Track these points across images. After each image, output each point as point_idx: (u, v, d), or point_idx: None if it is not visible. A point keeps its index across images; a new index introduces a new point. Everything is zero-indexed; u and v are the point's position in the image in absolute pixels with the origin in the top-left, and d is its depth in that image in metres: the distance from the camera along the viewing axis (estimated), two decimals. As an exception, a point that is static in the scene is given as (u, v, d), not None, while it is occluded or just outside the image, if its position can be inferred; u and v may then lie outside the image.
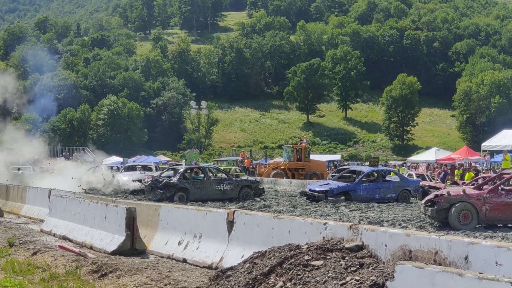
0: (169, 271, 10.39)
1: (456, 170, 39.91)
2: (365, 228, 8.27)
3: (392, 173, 32.16)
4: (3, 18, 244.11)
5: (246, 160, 57.85)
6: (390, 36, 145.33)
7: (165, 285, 9.18)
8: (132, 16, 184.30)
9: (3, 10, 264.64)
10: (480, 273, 5.85)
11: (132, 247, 12.83)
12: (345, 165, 54.71)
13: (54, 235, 16.04)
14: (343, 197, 26.13)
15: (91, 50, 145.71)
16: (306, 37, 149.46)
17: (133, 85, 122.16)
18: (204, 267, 11.04)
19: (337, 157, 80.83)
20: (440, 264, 6.95)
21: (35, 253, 12.29)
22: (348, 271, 7.40)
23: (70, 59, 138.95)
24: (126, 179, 32.24)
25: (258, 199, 27.45)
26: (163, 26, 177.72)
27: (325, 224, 8.95)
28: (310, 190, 27.49)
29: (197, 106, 70.51)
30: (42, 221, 18.76)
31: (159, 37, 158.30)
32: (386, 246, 7.84)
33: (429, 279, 6.00)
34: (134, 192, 29.83)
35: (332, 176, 31.86)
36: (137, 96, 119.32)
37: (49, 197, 19.27)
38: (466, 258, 6.94)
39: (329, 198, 25.97)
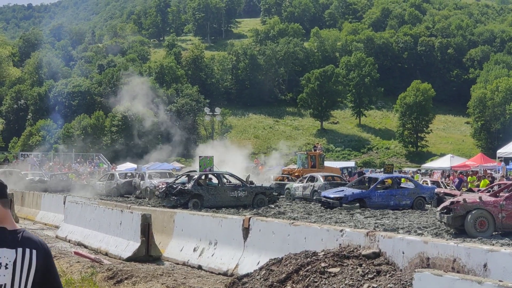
0: (185, 278, 10.36)
1: (469, 177, 39.71)
2: (382, 235, 8.21)
3: (407, 180, 32.02)
4: (18, 25, 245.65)
5: (259, 167, 57.78)
6: (404, 42, 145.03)
7: (181, 291, 9.16)
8: (146, 23, 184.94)
9: (18, 17, 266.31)
10: (500, 281, 5.78)
11: (147, 253, 12.84)
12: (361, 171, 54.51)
13: (69, 241, 16.08)
14: (357, 204, 26.05)
15: (105, 57, 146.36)
16: (320, 43, 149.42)
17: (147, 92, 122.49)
18: (219, 274, 11.01)
19: (351, 164, 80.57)
20: (458, 272, 6.89)
21: (50, 259, 12.29)
22: (365, 278, 7.35)
23: (84, 66, 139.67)
24: None
25: (273, 206, 27.40)
26: (177, 33, 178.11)
27: (341, 231, 8.90)
28: (324, 197, 27.43)
29: (211, 113, 70.64)
30: (57, 227, 18.81)
31: (173, 44, 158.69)
32: (403, 253, 7.79)
33: (448, 287, 5.94)
34: None
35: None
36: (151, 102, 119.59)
37: (64, 203, 19.32)
38: (485, 265, 6.87)
39: (344, 204, 25.91)
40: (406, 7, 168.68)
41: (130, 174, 42.16)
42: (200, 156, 31.18)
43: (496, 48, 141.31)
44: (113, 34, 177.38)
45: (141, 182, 36.42)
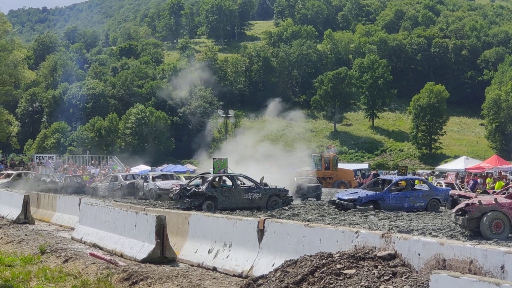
0: (200, 279, 10.36)
1: (488, 179, 39.53)
2: (397, 237, 8.18)
3: (421, 181, 31.85)
4: (33, 28, 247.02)
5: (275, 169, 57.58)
6: (418, 44, 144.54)
7: (196, 293, 9.17)
8: (159, 25, 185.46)
9: (33, 21, 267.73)
10: (517, 282, 5.75)
11: (162, 255, 12.83)
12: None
13: (84, 242, 16.12)
14: (371, 206, 25.95)
15: (119, 60, 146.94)
16: (333, 45, 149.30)
17: (160, 94, 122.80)
18: (234, 275, 11.00)
19: (364, 165, 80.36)
20: (475, 274, 6.86)
21: (66, 261, 12.36)
22: (381, 280, 7.33)
23: (98, 69, 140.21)
24: None
25: (287, 208, 27.35)
26: (190, 35, 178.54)
27: (356, 232, 8.88)
28: (338, 198, 27.35)
29: (224, 115, 70.61)
30: (72, 228, 18.86)
31: (187, 46, 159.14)
32: (419, 255, 7.76)
33: (464, 288, 5.92)
34: None
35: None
36: (165, 105, 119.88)
37: (79, 205, 19.38)
38: (502, 267, 6.83)
39: (358, 206, 25.83)
40: (419, 9, 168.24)
41: (131, 176, 42.90)
42: (214, 158, 31.14)
43: (511, 49, 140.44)
44: (127, 37, 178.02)
45: (145, 184, 37.15)
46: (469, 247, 7.27)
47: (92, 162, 64.27)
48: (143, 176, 39.84)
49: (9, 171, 47.28)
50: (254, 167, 33.72)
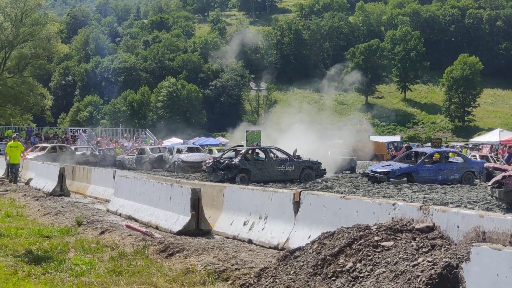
0: (235, 251, 10.40)
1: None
2: (435, 209, 8.11)
3: (455, 154, 31.58)
4: (66, 2, 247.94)
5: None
6: (451, 15, 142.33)
7: (232, 265, 9.19)
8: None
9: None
10: (561, 255, 5.67)
11: (197, 227, 12.88)
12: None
13: (120, 215, 16.27)
14: (405, 179, 25.82)
15: (150, 33, 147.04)
16: (365, 17, 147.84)
17: (192, 67, 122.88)
18: (270, 247, 11.02)
19: (396, 138, 79.85)
20: (516, 246, 6.77)
21: (103, 232, 12.48)
22: (420, 252, 7.27)
23: (130, 42, 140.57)
24: None
25: (320, 180, 27.32)
26: (221, 8, 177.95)
27: (394, 204, 8.81)
28: (371, 171, 27.27)
29: (256, 88, 70.53)
30: (107, 201, 19.05)
31: (218, 19, 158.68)
32: (458, 227, 7.68)
33: (507, 261, 5.83)
34: None
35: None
36: (196, 78, 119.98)
37: (114, 177, 19.55)
38: (544, 240, 6.75)
39: (391, 179, 25.70)
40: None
41: (158, 149, 43.49)
42: (247, 131, 31.18)
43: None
44: (158, 10, 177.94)
45: (170, 156, 37.76)
46: (510, 219, 7.18)
47: (125, 135, 64.76)
48: (169, 149, 40.61)
49: (44, 144, 47.83)
50: (290, 139, 33.74)
